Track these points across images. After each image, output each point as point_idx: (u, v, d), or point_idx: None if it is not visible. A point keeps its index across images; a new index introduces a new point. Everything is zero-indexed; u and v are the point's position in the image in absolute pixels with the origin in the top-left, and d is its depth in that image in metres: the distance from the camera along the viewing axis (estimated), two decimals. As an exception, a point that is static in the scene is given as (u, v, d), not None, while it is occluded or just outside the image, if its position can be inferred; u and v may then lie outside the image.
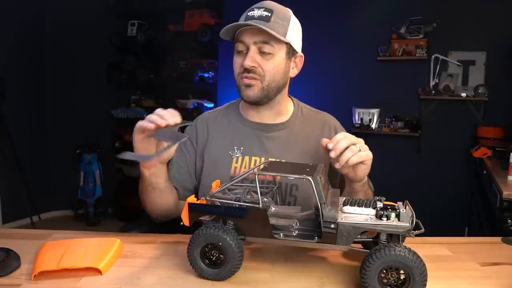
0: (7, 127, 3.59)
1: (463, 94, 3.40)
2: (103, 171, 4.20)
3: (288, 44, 1.14)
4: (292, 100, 1.29)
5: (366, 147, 0.99)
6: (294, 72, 1.21)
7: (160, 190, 1.12)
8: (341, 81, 3.82)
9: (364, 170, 1.01)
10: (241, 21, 1.13)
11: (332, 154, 0.94)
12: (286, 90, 1.22)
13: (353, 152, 0.95)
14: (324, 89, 3.81)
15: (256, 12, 1.10)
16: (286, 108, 1.25)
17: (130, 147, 1.02)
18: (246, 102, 1.19)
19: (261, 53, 1.12)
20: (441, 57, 3.50)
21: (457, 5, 3.43)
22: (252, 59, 1.11)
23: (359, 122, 3.75)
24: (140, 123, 0.98)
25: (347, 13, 3.76)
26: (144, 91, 4.26)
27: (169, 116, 0.96)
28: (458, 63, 3.49)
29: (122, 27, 4.17)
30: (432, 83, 3.56)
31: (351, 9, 3.76)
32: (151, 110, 1.03)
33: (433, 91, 3.52)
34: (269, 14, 1.10)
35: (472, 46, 3.45)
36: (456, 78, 3.50)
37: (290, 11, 1.17)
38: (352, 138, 0.97)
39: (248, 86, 1.13)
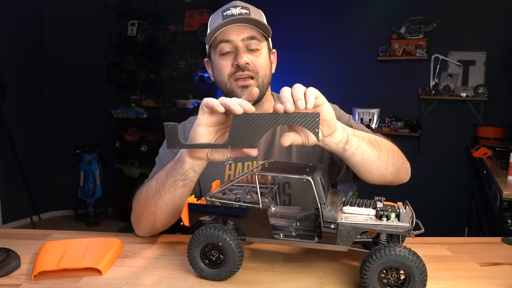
0: (7, 127, 3.59)
1: (463, 94, 3.40)
2: (103, 171, 4.20)
3: (267, 40, 1.15)
4: (273, 96, 1.25)
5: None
6: (273, 68, 1.21)
7: (189, 189, 0.93)
8: (341, 81, 3.82)
9: (325, 108, 0.84)
10: (218, 21, 1.08)
11: (288, 106, 0.74)
12: (269, 87, 1.20)
13: (302, 90, 0.80)
14: (324, 89, 3.78)
15: (235, 11, 1.09)
16: (270, 106, 1.20)
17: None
18: None
19: (249, 50, 1.10)
20: (441, 57, 3.50)
21: (457, 5, 3.43)
22: (245, 55, 1.08)
23: (359, 122, 3.75)
24: (211, 101, 0.79)
25: (347, 13, 3.76)
26: (144, 91, 4.25)
27: (248, 105, 0.76)
28: (458, 63, 3.49)
29: (122, 27, 4.17)
30: (432, 83, 3.56)
31: (351, 9, 3.76)
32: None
33: (433, 91, 3.53)
34: (248, 12, 1.10)
35: (472, 46, 3.45)
36: (456, 78, 3.50)
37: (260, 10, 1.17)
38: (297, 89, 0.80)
39: (245, 87, 1.09)
